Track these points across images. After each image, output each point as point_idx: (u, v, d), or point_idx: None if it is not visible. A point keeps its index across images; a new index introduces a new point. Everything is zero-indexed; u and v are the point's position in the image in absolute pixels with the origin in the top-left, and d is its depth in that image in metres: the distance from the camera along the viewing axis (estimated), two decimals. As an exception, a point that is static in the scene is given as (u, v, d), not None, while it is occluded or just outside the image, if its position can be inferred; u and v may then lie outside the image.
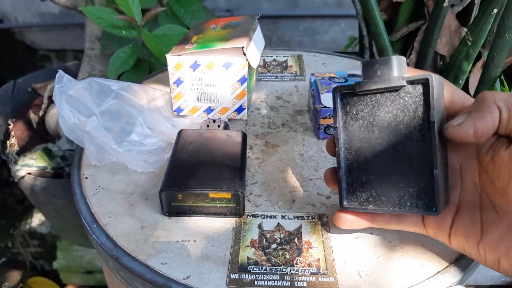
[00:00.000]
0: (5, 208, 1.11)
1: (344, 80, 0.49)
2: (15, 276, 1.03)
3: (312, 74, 0.52)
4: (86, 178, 0.43)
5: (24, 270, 1.04)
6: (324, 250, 0.35)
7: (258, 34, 0.54)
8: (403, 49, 0.79)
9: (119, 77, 0.78)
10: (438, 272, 0.34)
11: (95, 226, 0.37)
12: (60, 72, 0.44)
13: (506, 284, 0.97)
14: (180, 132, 0.44)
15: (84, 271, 1.02)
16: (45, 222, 1.05)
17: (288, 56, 0.67)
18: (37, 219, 1.06)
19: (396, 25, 0.76)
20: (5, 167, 0.93)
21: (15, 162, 0.83)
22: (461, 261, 0.34)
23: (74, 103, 0.44)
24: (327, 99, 0.47)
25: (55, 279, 1.02)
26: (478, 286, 0.98)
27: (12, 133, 0.90)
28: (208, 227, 0.38)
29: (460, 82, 0.64)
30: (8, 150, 0.87)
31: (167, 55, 0.47)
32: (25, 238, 1.05)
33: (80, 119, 0.42)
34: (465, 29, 0.70)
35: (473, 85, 0.70)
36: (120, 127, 0.46)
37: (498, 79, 0.59)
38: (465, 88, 0.69)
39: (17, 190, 1.13)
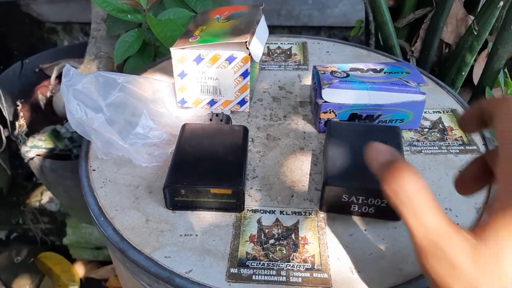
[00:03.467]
0: (15, 185, 1.14)
1: (345, 75, 0.49)
2: (26, 251, 1.07)
3: (314, 67, 0.52)
4: (94, 170, 0.45)
5: (35, 245, 1.08)
6: (319, 246, 0.37)
7: (262, 26, 0.54)
8: (408, 36, 0.78)
9: (125, 62, 0.78)
10: (428, 269, 0.35)
11: (102, 219, 0.39)
12: (67, 66, 0.45)
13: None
14: (183, 126, 0.45)
15: (93, 247, 1.06)
16: (54, 200, 1.08)
17: (293, 44, 0.67)
18: (46, 197, 1.10)
19: (402, 11, 0.76)
20: (15, 147, 0.95)
21: (24, 143, 0.85)
22: (450, 260, 0.36)
23: (81, 97, 0.45)
24: (328, 94, 0.47)
25: (65, 254, 1.06)
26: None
27: (21, 114, 0.92)
28: (209, 221, 0.39)
29: (463, 74, 0.64)
30: (17, 131, 0.89)
31: (171, 48, 0.48)
32: (35, 215, 1.08)
33: (87, 112, 0.43)
34: (472, 17, 0.70)
35: (477, 74, 0.70)
36: (125, 119, 0.47)
37: (502, 71, 0.59)
38: (469, 78, 0.69)
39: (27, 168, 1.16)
